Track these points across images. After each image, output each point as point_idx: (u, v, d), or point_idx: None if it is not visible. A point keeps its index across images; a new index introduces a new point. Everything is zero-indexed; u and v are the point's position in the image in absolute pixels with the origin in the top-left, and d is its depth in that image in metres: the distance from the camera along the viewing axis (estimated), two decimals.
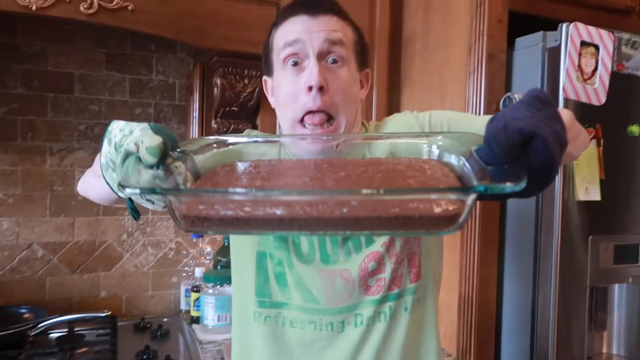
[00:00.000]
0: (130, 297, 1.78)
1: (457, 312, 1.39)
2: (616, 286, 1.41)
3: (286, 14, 0.81)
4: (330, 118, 0.78)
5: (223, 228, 0.49)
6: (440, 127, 0.85)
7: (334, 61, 0.78)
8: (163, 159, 0.53)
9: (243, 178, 0.57)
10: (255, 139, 0.72)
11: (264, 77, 0.89)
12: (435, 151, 0.60)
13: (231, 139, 0.67)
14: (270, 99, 0.89)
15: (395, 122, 0.90)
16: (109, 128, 0.60)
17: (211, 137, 0.67)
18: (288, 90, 0.79)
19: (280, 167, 0.65)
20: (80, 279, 1.71)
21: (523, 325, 1.37)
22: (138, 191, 0.47)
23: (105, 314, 1.51)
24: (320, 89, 0.76)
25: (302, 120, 0.78)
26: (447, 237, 0.95)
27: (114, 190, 0.63)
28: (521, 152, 0.46)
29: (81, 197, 1.71)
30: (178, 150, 0.57)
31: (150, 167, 0.53)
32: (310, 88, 0.76)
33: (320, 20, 0.78)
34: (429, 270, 0.85)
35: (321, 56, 0.77)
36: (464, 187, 0.47)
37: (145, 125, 0.57)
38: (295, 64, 0.79)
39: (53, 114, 1.66)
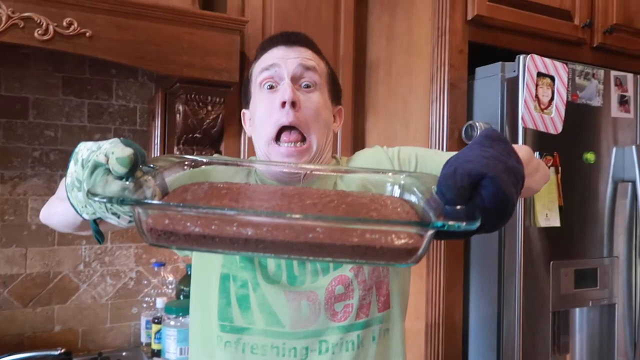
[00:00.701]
0: (87, 330, 1.69)
1: (424, 340, 1.38)
2: (577, 310, 1.44)
3: (265, 46, 0.87)
4: (303, 139, 0.81)
5: (189, 244, 0.49)
6: (408, 162, 0.88)
7: (307, 86, 0.83)
8: (133, 170, 0.53)
9: (212, 197, 0.57)
10: (226, 160, 0.72)
11: (243, 111, 0.94)
12: (397, 190, 0.63)
13: (201, 159, 0.68)
14: (248, 129, 0.92)
15: (365, 157, 0.92)
16: (76, 149, 0.60)
17: (182, 156, 0.67)
18: (263, 110, 0.83)
19: (249, 191, 0.66)
20: (32, 313, 1.61)
21: (489, 350, 1.38)
22: (105, 200, 0.47)
23: (58, 351, 1.43)
24: (293, 104, 0.79)
25: (277, 139, 0.81)
26: None
27: (78, 212, 0.61)
28: (473, 192, 0.48)
29: (35, 227, 1.66)
30: (148, 165, 0.56)
31: (120, 178, 0.53)
32: (283, 104, 0.79)
33: (295, 49, 0.84)
34: (397, 299, 0.85)
35: (295, 80, 0.82)
36: (423, 221, 0.50)
37: (115, 139, 0.57)
38: (271, 87, 0.83)
39: (5, 140, 1.59)
